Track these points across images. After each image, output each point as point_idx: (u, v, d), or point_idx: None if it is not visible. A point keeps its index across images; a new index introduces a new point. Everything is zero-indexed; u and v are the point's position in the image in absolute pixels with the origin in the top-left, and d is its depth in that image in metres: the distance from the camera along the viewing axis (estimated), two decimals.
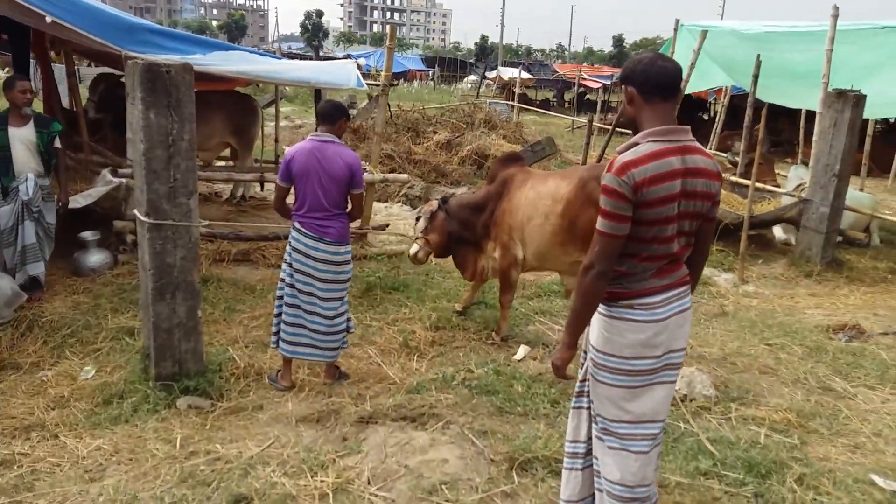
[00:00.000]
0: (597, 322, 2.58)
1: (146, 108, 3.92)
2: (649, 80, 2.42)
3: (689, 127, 2.46)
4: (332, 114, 4.30)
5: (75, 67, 9.61)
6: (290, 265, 4.32)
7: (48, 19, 5.47)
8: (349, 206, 4.39)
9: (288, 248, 4.35)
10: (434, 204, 5.58)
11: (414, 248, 5.60)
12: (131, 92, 4.10)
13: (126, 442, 3.65)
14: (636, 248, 2.44)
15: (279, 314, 4.41)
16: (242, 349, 4.90)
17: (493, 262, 5.41)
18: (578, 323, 2.52)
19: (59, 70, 8.97)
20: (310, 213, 4.21)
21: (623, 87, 2.50)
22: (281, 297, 4.40)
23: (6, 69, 11.88)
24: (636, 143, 2.42)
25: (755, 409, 4.30)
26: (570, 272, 5.29)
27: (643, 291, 2.49)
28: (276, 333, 4.43)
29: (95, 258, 6.17)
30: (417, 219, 5.63)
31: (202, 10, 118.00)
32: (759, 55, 8.74)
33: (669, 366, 2.58)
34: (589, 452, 2.79)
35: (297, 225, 4.28)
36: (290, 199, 4.40)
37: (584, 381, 2.76)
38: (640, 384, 2.54)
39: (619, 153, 2.43)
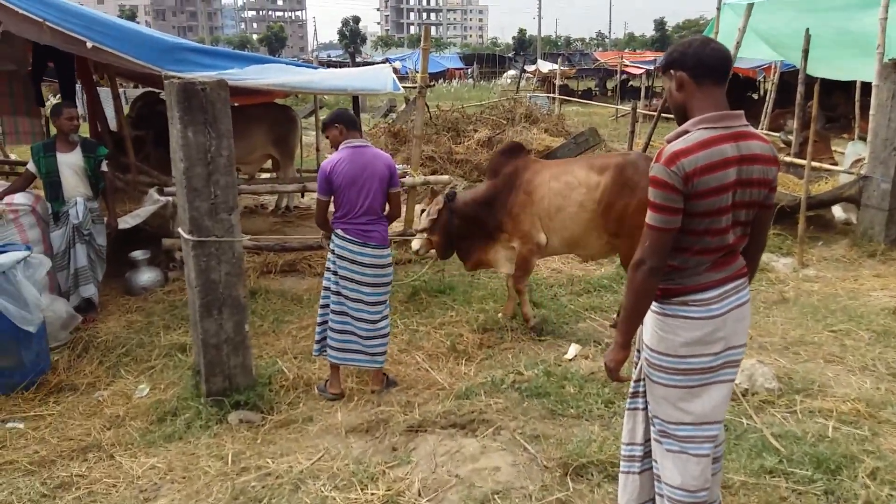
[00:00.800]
0: (650, 320, 2.46)
1: (184, 126, 3.95)
2: (702, 62, 2.29)
3: (742, 112, 2.32)
4: (354, 119, 4.48)
5: (121, 90, 9.87)
6: (334, 273, 4.33)
7: (89, 45, 5.59)
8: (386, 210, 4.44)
9: (330, 256, 4.35)
10: (440, 201, 5.39)
11: (416, 245, 5.52)
12: (169, 111, 4.14)
13: (179, 460, 3.68)
14: (689, 242, 2.32)
15: (323, 322, 4.43)
16: (291, 360, 4.91)
17: (508, 252, 5.36)
18: (631, 322, 2.41)
19: (105, 93, 9.19)
20: (354, 218, 4.25)
21: (670, 72, 2.36)
22: (325, 306, 4.42)
23: (56, 95, 12.27)
24: (686, 131, 2.29)
25: (822, 401, 4.09)
26: (599, 255, 5.56)
27: (698, 287, 2.36)
28: (319, 342, 4.46)
29: (146, 277, 6.30)
30: (422, 211, 5.49)
31: (242, 25, 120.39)
32: (808, 28, 8.37)
33: (729, 363, 2.45)
34: (647, 455, 2.68)
35: (339, 232, 4.29)
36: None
37: (638, 380, 2.66)
38: (697, 383, 2.42)
39: (669, 141, 2.31)
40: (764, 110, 14.79)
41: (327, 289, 4.40)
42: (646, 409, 2.64)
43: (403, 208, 7.10)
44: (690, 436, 2.45)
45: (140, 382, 4.71)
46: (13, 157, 10.29)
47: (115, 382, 4.74)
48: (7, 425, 4.14)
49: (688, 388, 2.41)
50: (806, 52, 8.51)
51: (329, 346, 4.41)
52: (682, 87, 2.34)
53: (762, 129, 13.50)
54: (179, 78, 4.19)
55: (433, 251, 5.62)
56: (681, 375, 2.40)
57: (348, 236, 4.26)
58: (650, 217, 2.28)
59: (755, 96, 22.93)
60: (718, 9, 9.95)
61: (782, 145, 10.73)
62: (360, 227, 4.26)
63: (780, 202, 7.78)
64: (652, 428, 2.57)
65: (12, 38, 6.33)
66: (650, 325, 2.45)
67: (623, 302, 2.41)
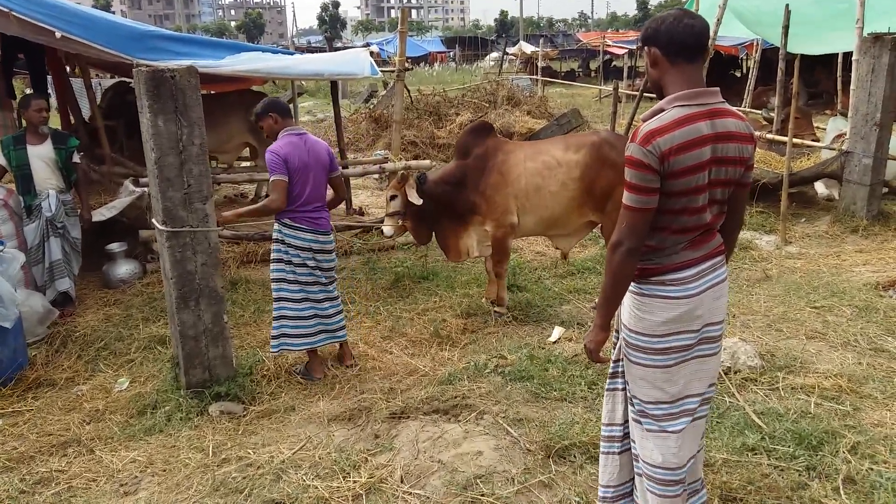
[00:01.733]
0: (628, 300, 2.44)
1: (154, 115, 3.87)
2: (674, 39, 2.24)
3: (717, 89, 2.28)
4: (287, 108, 4.46)
5: (96, 80, 9.70)
6: (288, 262, 4.34)
7: (58, 35, 5.48)
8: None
9: (281, 246, 4.34)
10: (413, 184, 5.21)
11: (387, 230, 5.40)
12: (139, 101, 4.05)
13: (160, 452, 3.64)
14: (666, 221, 2.29)
15: (279, 317, 4.40)
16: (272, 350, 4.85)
17: (481, 236, 5.31)
18: (610, 304, 2.38)
19: (79, 83, 9.04)
20: (302, 206, 4.27)
21: (646, 49, 2.32)
22: (278, 300, 4.40)
23: (28, 88, 12.07)
24: (661, 110, 2.25)
25: (804, 377, 4.10)
26: (574, 235, 5.52)
27: (675, 265, 2.34)
28: (277, 337, 4.42)
29: (124, 269, 6.21)
30: (392, 197, 5.28)
31: (220, 13, 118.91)
32: (787, 4, 8.36)
33: (706, 339, 2.44)
34: (626, 436, 2.67)
35: (288, 221, 4.29)
36: None
37: (617, 361, 2.64)
38: (674, 362, 2.40)
39: (644, 120, 2.27)
40: (747, 88, 14.79)
41: (280, 280, 4.38)
42: (625, 389, 2.62)
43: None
44: (668, 413, 2.44)
45: (119, 376, 4.65)
46: None
47: (94, 377, 4.67)
48: None
49: (665, 367, 2.39)
50: (786, 28, 8.51)
51: (295, 337, 4.41)
52: (656, 64, 2.30)
53: (745, 106, 13.51)
54: (149, 66, 4.09)
55: (408, 235, 5.57)
56: (659, 355, 2.38)
57: (297, 224, 4.29)
58: (627, 198, 2.25)
59: (738, 74, 22.96)
60: None
61: (764, 122, 10.74)
62: (308, 214, 4.31)
63: (762, 179, 7.80)
64: (630, 408, 2.55)
65: None
66: (628, 306, 2.42)
67: (602, 284, 2.37)
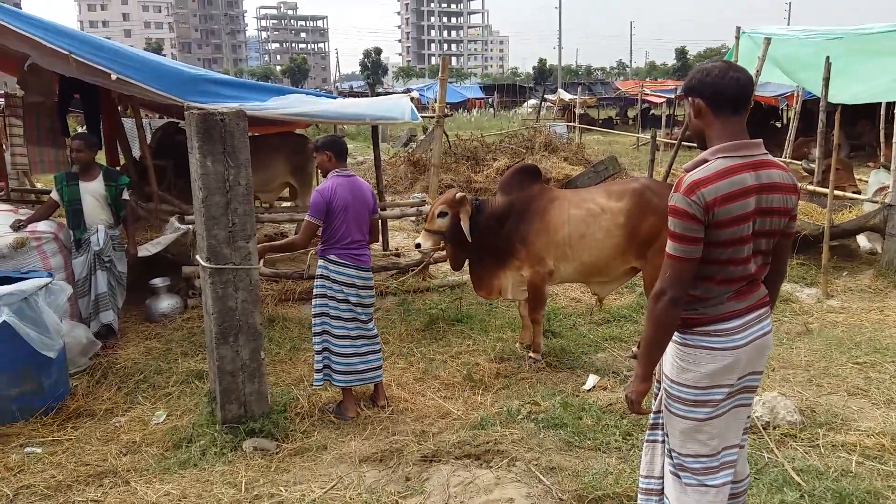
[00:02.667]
0: (671, 351, 2.43)
1: (203, 155, 4.01)
2: (720, 92, 2.26)
3: (761, 140, 2.31)
4: (344, 150, 4.59)
5: (147, 121, 10.05)
6: (331, 298, 4.45)
7: (113, 77, 5.73)
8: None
9: (324, 282, 4.47)
10: (469, 210, 5.11)
11: (424, 242, 5.18)
12: (189, 141, 4.21)
13: (193, 487, 3.67)
14: (711, 271, 2.30)
15: (322, 350, 4.51)
16: (306, 388, 4.90)
17: (517, 280, 5.29)
18: (652, 353, 2.38)
19: (130, 124, 9.39)
20: (348, 245, 4.43)
21: (689, 99, 2.35)
22: (321, 333, 4.50)
23: (83, 126, 12.55)
24: (705, 161, 2.28)
25: (845, 435, 4.00)
26: (614, 283, 5.58)
27: (720, 316, 2.33)
28: (320, 370, 4.53)
29: (166, 304, 6.35)
30: (441, 214, 5.12)
31: (266, 57, 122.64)
32: (827, 56, 8.34)
33: (746, 389, 2.42)
34: (664, 490, 2.63)
35: (333, 258, 4.44)
36: None
37: (658, 412, 2.62)
38: (717, 414, 2.38)
39: (687, 171, 2.29)
40: (787, 139, 14.68)
41: (322, 315, 4.50)
42: (664, 441, 2.59)
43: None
44: (708, 467, 2.41)
45: (157, 409, 4.72)
46: (39, 185, 10.49)
47: (132, 409, 4.76)
48: (25, 450, 4.16)
49: (707, 419, 2.37)
50: (826, 79, 8.48)
51: (336, 372, 4.49)
52: (699, 115, 2.32)
53: (786, 157, 13.39)
54: (200, 108, 4.26)
55: (441, 254, 5.58)
56: (700, 407, 2.36)
57: (343, 261, 4.44)
58: (671, 247, 2.27)
59: (778, 125, 22.81)
60: (737, 38, 9.96)
61: (804, 174, 10.63)
62: (352, 251, 4.46)
63: (803, 231, 7.69)
64: (668, 461, 2.52)
65: (40, 71, 6.51)
66: (671, 356, 2.41)
67: (643, 333, 2.37)
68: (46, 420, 4.52)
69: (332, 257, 4.45)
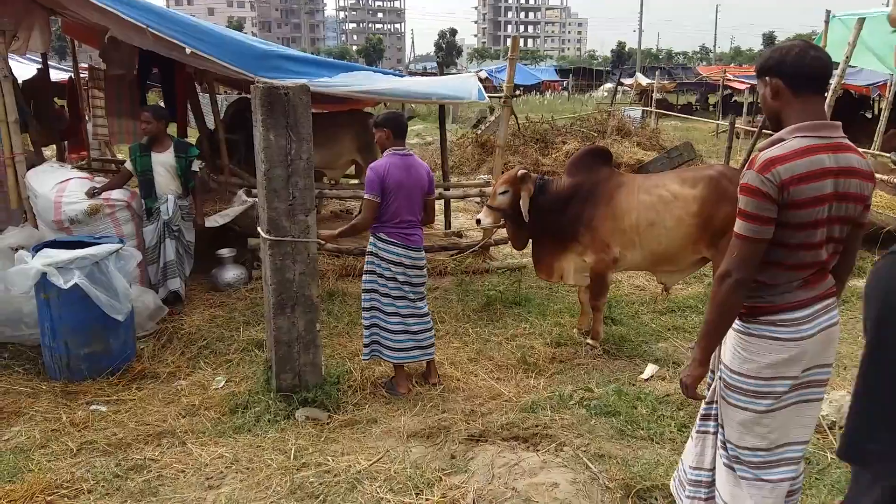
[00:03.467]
0: (732, 340, 2.33)
1: (266, 129, 4.06)
2: (801, 71, 2.15)
3: (839, 123, 2.18)
4: (404, 127, 4.54)
5: (222, 96, 10.32)
6: (380, 275, 4.47)
7: (188, 51, 5.86)
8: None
9: (374, 259, 4.49)
10: (531, 188, 5.04)
11: (485, 221, 5.20)
12: (254, 115, 4.27)
13: (246, 451, 3.77)
14: (781, 256, 2.19)
15: (371, 325, 4.55)
16: (360, 362, 4.94)
17: (579, 265, 5.15)
18: (712, 338, 2.28)
19: (206, 98, 9.65)
20: (399, 223, 4.40)
21: (766, 79, 2.23)
22: (369, 309, 4.54)
23: (161, 100, 13.00)
24: (782, 139, 2.16)
25: None
26: (682, 272, 5.39)
27: (788, 305, 2.22)
28: (368, 345, 4.59)
29: (231, 274, 6.52)
30: (504, 192, 5.11)
31: (343, 37, 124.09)
32: None
33: (813, 383, 2.29)
34: (714, 482, 2.53)
35: (383, 236, 4.44)
36: None
37: (710, 403, 2.52)
38: (778, 406, 2.27)
39: (762, 150, 2.18)
40: (877, 129, 13.88)
41: (372, 291, 4.53)
42: (716, 433, 2.50)
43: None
44: (765, 461, 2.31)
45: (217, 374, 4.87)
46: (120, 156, 10.94)
47: (194, 373, 4.92)
48: (91, 407, 4.36)
49: (766, 411, 2.26)
50: None
51: (386, 348, 4.52)
52: (777, 96, 2.20)
53: (875, 149, 12.66)
54: (263, 83, 4.32)
55: (503, 235, 5.51)
56: (761, 399, 2.26)
57: (392, 240, 4.42)
58: (740, 226, 2.16)
59: (868, 115, 21.58)
60: (826, 22, 9.44)
61: (893, 167, 10.04)
62: (402, 231, 4.43)
63: (887, 226, 7.26)
64: (722, 453, 2.42)
65: (120, 44, 6.74)
66: (732, 345, 2.31)
67: (704, 316, 2.28)
68: (113, 380, 4.72)
69: (382, 235, 4.44)
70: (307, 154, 4.20)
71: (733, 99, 31.16)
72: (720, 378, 2.41)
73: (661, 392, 4.43)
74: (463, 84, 7.18)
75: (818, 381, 2.32)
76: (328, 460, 3.61)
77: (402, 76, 8.28)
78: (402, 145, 4.52)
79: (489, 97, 7.89)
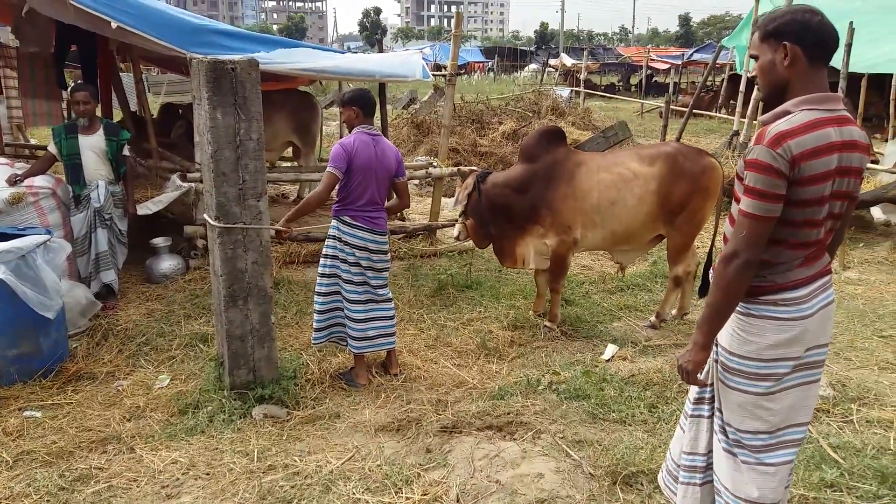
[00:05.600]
0: (731, 321, 2.24)
1: (213, 107, 3.76)
2: (821, 39, 2.06)
3: (840, 95, 2.11)
4: (373, 105, 4.34)
5: (143, 75, 9.71)
6: (343, 261, 4.27)
7: (114, 25, 5.43)
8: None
9: (336, 244, 4.27)
10: (470, 183, 5.14)
11: (456, 231, 5.33)
12: (197, 92, 3.96)
13: (202, 455, 3.51)
14: (785, 234, 2.11)
15: (323, 311, 4.37)
16: (315, 353, 4.73)
17: (539, 248, 5.08)
18: (717, 321, 2.19)
19: (128, 78, 9.08)
20: (365, 206, 4.21)
21: (783, 43, 2.08)
22: (326, 294, 4.34)
23: (77, 81, 12.18)
24: (787, 112, 2.08)
25: (879, 411, 3.86)
26: (639, 251, 5.46)
27: (789, 284, 2.15)
28: (320, 330, 4.40)
29: (167, 264, 6.14)
30: (467, 194, 5.18)
31: (262, 15, 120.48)
32: (851, 22, 8.08)
33: (812, 364, 2.25)
34: (709, 466, 2.48)
35: (347, 219, 4.22)
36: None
37: (704, 386, 2.45)
38: (779, 388, 2.21)
39: (765, 123, 2.09)
40: None
41: (332, 276, 4.32)
42: (710, 416, 2.44)
43: (428, 200, 6.93)
44: (767, 444, 2.26)
45: (160, 373, 4.55)
46: (33, 141, 10.19)
47: (134, 372, 4.58)
48: (24, 413, 3.99)
49: (768, 394, 2.20)
50: (849, 46, 8.22)
51: (351, 338, 4.33)
52: (794, 63, 2.09)
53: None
54: (206, 58, 4.00)
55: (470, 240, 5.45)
56: (762, 381, 2.19)
57: (358, 223, 4.22)
58: (749, 204, 2.06)
59: None
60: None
61: None
62: (368, 214, 4.24)
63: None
64: (721, 437, 2.36)
65: (36, 19, 6.21)
66: (731, 327, 2.23)
67: (707, 299, 2.19)
68: (45, 383, 4.33)
69: (346, 218, 4.23)
70: (257, 134, 3.92)
71: (654, 79, 31.95)
72: (717, 361, 2.35)
73: (626, 373, 4.41)
74: (406, 62, 6.96)
75: (817, 362, 2.28)
76: (295, 461, 3.40)
77: (342, 53, 7.99)
78: (371, 124, 4.30)
79: (432, 75, 7.70)
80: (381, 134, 4.31)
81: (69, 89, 5.59)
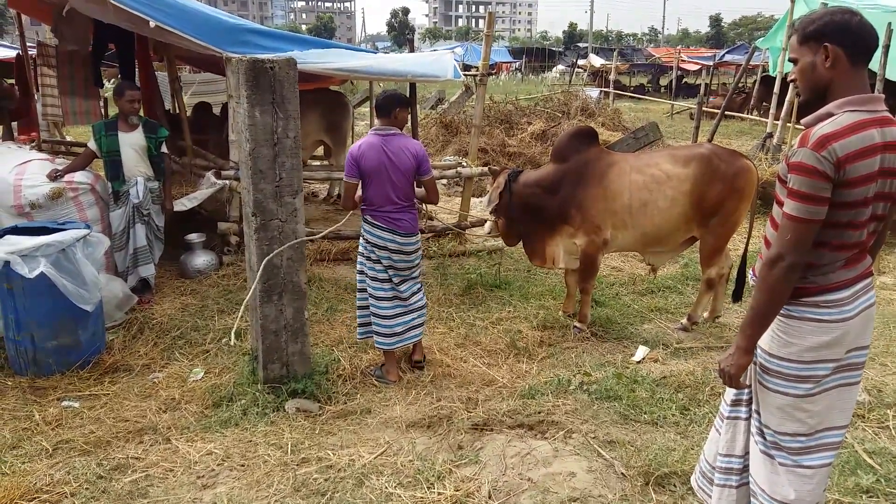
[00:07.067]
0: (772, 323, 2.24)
1: (251, 105, 3.83)
2: (863, 39, 2.05)
3: (883, 96, 2.10)
4: (386, 105, 4.26)
5: (178, 74, 9.87)
6: (367, 258, 4.37)
7: (152, 24, 5.53)
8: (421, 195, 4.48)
9: (363, 242, 4.38)
10: (501, 182, 5.16)
11: (487, 227, 5.40)
12: (235, 91, 4.03)
13: (237, 447, 3.57)
14: (828, 235, 2.10)
15: (364, 306, 4.49)
16: (347, 350, 4.78)
17: (569, 248, 5.09)
18: (761, 324, 2.18)
19: (163, 76, 9.21)
20: (383, 206, 4.24)
21: (825, 45, 2.07)
22: (362, 290, 4.48)
23: (112, 81, 12.39)
24: (830, 114, 2.06)
25: None
26: (670, 253, 5.39)
27: (832, 286, 2.14)
28: (363, 325, 4.53)
29: (201, 260, 6.24)
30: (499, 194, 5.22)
31: (292, 15, 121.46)
32: (889, 23, 7.95)
33: (852, 365, 2.24)
34: (745, 468, 2.46)
35: (369, 219, 4.30)
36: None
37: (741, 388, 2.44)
38: (818, 391, 2.20)
39: (808, 125, 2.08)
40: None
41: (362, 272, 4.44)
42: (748, 418, 2.43)
43: (456, 200, 6.96)
44: (805, 447, 2.25)
45: (195, 366, 4.63)
46: (69, 138, 10.38)
47: (169, 365, 4.66)
48: (63, 403, 4.09)
49: (807, 395, 2.19)
50: (887, 48, 8.09)
51: (378, 334, 4.39)
52: (835, 65, 2.08)
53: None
54: (244, 57, 4.06)
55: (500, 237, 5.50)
56: (802, 383, 2.19)
57: (378, 223, 4.27)
58: (793, 207, 2.06)
59: None
60: (792, 1, 9.53)
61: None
62: (387, 214, 4.25)
63: None
64: (758, 440, 2.35)
65: (75, 18, 6.34)
66: (771, 329, 2.22)
67: (751, 302, 2.18)
68: (83, 374, 4.44)
69: (368, 218, 4.30)
70: (294, 132, 3.98)
71: (684, 81, 31.62)
72: (756, 363, 2.34)
73: (657, 374, 4.39)
74: (437, 62, 6.98)
75: (857, 363, 2.27)
76: (328, 454, 3.45)
77: (374, 53, 8.04)
78: (386, 124, 4.27)
79: (464, 75, 7.71)
80: (401, 132, 4.28)
81: (114, 88, 5.68)
